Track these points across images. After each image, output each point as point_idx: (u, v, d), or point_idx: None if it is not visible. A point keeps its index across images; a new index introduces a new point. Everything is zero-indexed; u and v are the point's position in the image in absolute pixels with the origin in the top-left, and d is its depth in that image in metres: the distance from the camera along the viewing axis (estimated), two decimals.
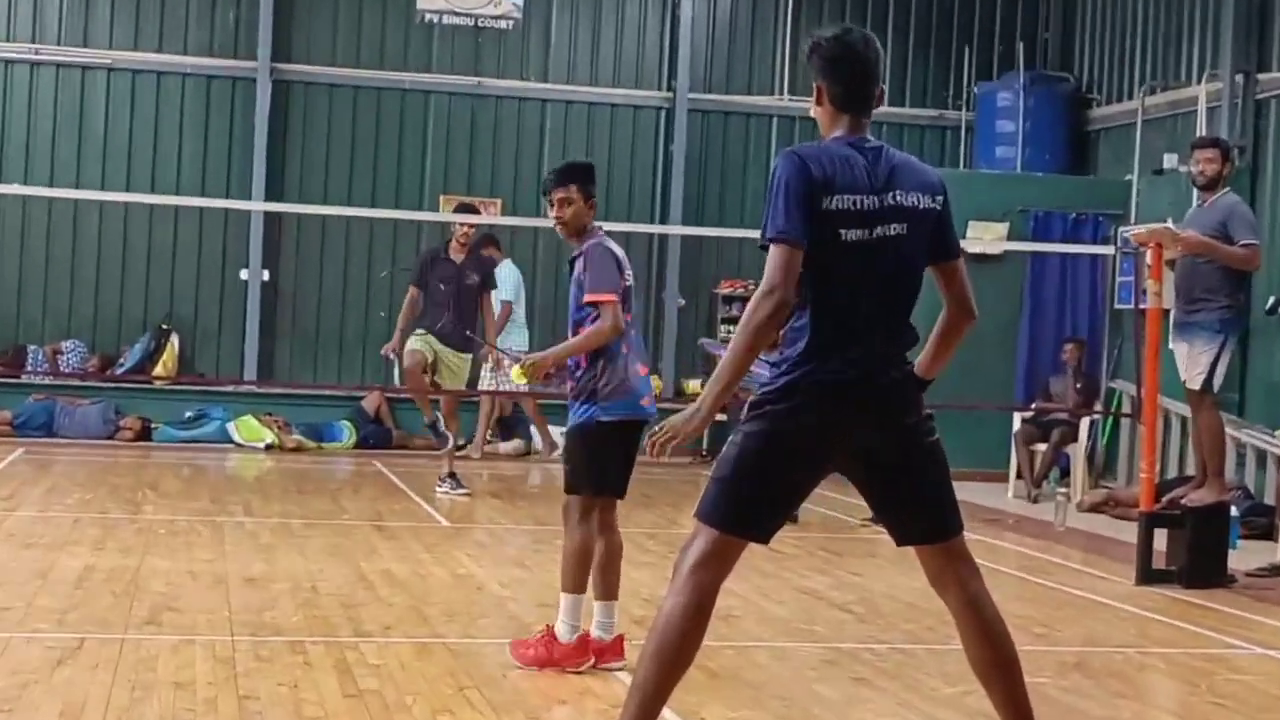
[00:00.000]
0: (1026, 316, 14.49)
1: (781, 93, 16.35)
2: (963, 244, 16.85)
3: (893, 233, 4.05)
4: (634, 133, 16.37)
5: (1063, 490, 11.71)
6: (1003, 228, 14.30)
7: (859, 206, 4.03)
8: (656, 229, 15.93)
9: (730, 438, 4.11)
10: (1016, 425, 13.35)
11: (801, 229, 3.96)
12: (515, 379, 6.10)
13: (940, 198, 4.18)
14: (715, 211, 16.25)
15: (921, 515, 4.14)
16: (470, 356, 11.56)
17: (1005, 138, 15.48)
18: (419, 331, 11.28)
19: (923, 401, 4.15)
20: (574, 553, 5.77)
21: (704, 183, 16.43)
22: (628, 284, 5.86)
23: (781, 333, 4.08)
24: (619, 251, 5.92)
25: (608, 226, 5.95)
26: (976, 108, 16.10)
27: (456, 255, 11.52)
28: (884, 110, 16.55)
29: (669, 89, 16.34)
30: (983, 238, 14.08)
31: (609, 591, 5.87)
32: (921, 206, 4.11)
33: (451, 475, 11.47)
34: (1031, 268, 14.51)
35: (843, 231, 4.01)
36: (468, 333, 10.84)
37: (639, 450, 5.65)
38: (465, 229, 11.52)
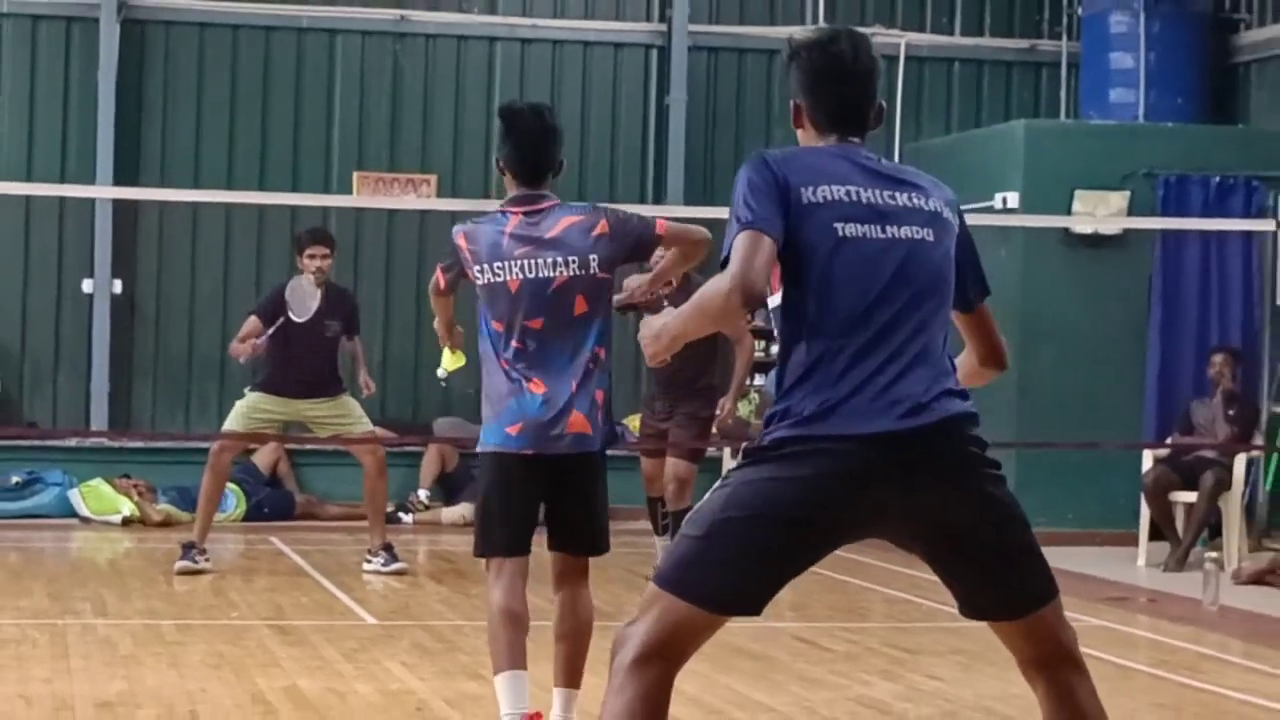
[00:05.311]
0: (1157, 319, 14.47)
1: (815, 21, 16.29)
2: (1069, 221, 16.45)
3: (917, 235, 4.26)
4: (616, 80, 16.44)
5: (1213, 555, 11.68)
6: (1121, 198, 14.32)
7: (857, 198, 4.25)
8: (649, 211, 15.87)
9: (714, 486, 4.25)
10: (1147, 467, 13.34)
11: (773, 218, 4.19)
12: (447, 365, 6.55)
13: (958, 217, 4.39)
14: (728, 186, 16.14)
15: (993, 585, 4.26)
16: (343, 397, 11.85)
17: (1122, 76, 15.47)
18: (262, 393, 11.77)
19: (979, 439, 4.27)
20: (488, 627, 5.97)
21: (712, 148, 16.49)
22: (490, 279, 6.10)
23: (772, 375, 4.24)
24: (468, 233, 6.27)
25: None
26: (1081, 36, 16.11)
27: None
28: (955, 42, 16.77)
29: (663, 19, 16.38)
30: (1094, 213, 14.08)
31: (569, 676, 5.97)
32: (945, 215, 4.34)
33: (387, 548, 11.67)
34: (1162, 252, 14.50)
35: (839, 225, 4.21)
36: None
37: (521, 497, 5.97)
38: (319, 264, 11.77)
